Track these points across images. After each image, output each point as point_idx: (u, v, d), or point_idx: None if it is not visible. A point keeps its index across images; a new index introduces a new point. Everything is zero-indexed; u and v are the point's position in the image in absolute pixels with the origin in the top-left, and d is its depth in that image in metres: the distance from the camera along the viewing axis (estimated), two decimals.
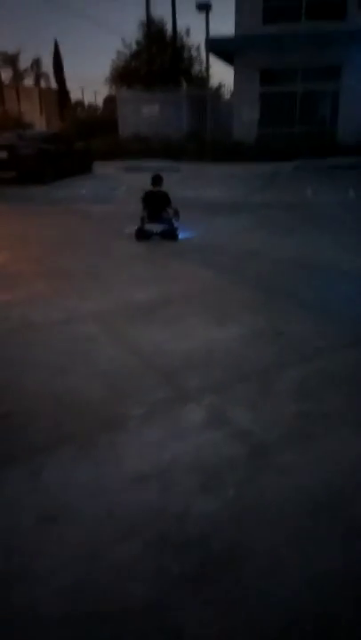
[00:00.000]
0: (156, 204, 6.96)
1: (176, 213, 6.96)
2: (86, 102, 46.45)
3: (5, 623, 1.59)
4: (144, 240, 6.79)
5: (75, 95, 56.39)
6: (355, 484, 2.17)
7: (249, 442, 2.45)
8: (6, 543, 1.89)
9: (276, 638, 1.55)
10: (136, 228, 6.91)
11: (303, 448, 2.41)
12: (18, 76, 38.86)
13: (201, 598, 1.66)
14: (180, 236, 6.88)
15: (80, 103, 42.95)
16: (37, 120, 33.76)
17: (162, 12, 48.38)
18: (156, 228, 6.85)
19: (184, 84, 24.11)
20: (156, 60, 24.65)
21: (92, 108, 40.50)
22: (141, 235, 6.85)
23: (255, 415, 2.67)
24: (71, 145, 14.65)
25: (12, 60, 37.86)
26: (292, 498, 2.09)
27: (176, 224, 6.92)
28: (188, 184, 10.93)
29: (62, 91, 36.86)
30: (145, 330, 3.80)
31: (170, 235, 6.83)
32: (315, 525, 1.95)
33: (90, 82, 71.42)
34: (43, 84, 41.24)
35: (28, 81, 40.37)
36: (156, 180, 7.21)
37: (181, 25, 36.12)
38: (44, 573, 1.75)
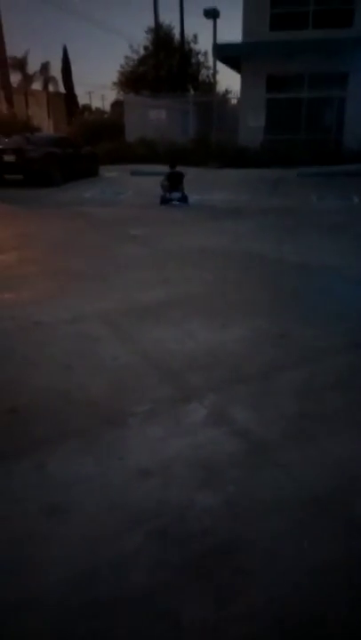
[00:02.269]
0: (175, 180, 10.33)
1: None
2: (94, 106, 46.83)
3: (9, 610, 1.64)
4: (167, 204, 10.15)
5: (82, 99, 56.61)
6: (354, 483, 2.21)
7: (249, 440, 2.50)
8: (11, 533, 1.95)
9: (273, 627, 1.59)
10: (161, 196, 10.25)
11: (303, 447, 2.45)
12: (26, 79, 39.21)
13: (200, 588, 1.70)
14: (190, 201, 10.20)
15: (87, 107, 43.28)
16: (45, 124, 34.05)
17: (170, 18, 48.70)
18: (174, 196, 10.26)
19: (191, 90, 24.25)
20: (164, 66, 24.84)
21: (100, 112, 40.80)
22: (165, 200, 10.25)
23: (256, 414, 2.71)
24: (78, 148, 14.77)
25: (20, 64, 38.19)
26: (290, 494, 2.13)
27: (186, 194, 10.34)
28: (194, 188, 11.03)
29: (70, 95, 37.12)
30: (150, 330, 3.86)
31: (184, 200, 10.26)
32: (313, 520, 1.99)
33: (97, 86, 71.96)
34: (51, 88, 41.67)
35: (37, 85, 40.78)
36: (174, 163, 10.61)
37: (189, 31, 36.29)
38: (47, 562, 1.81)
